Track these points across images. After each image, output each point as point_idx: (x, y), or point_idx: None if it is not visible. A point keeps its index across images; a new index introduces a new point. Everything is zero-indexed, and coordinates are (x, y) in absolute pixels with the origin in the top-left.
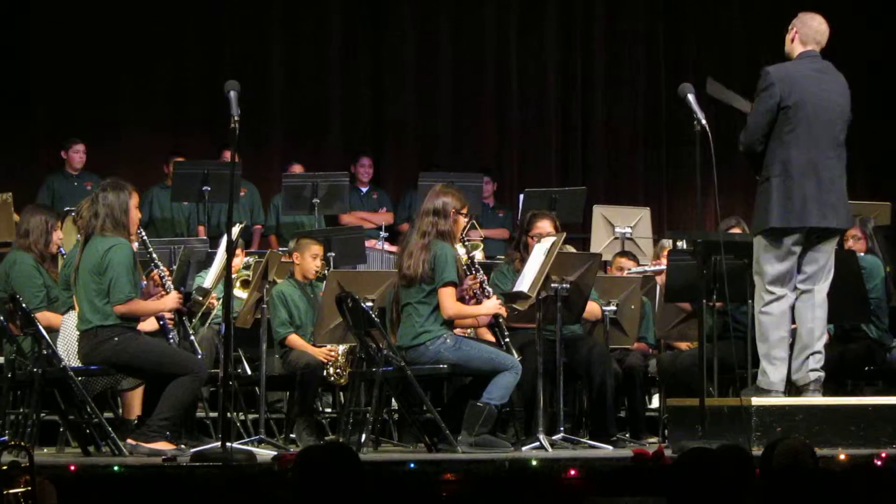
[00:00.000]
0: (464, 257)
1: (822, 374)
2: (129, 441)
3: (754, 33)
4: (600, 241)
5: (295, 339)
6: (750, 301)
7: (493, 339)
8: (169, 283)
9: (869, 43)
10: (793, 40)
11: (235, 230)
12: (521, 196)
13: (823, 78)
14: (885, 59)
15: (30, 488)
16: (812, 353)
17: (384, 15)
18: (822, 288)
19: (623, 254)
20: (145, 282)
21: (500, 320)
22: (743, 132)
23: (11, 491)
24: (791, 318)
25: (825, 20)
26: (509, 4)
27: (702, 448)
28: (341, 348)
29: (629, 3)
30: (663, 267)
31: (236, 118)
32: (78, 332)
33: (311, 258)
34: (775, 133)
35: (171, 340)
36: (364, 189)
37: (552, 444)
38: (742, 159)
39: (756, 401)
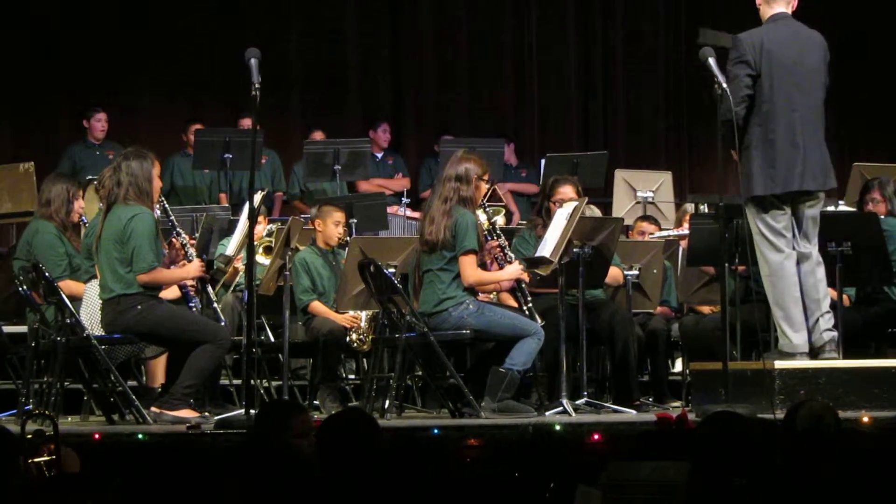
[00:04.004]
0: (485, 223)
1: (835, 333)
2: (153, 409)
3: None
4: (622, 206)
5: (318, 306)
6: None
7: (515, 304)
8: (191, 251)
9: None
10: (760, 3)
11: (257, 197)
12: (542, 161)
13: (797, 42)
14: None
15: (54, 457)
16: (822, 315)
17: None
18: (816, 249)
19: (645, 218)
20: (167, 250)
21: (523, 286)
22: (720, 105)
23: (36, 459)
24: (799, 278)
25: None
26: None
27: (725, 412)
28: (364, 315)
29: None
30: (685, 231)
31: (257, 85)
32: (101, 301)
33: (333, 225)
34: (754, 101)
35: (194, 308)
36: (379, 155)
37: (575, 409)
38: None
39: (779, 364)
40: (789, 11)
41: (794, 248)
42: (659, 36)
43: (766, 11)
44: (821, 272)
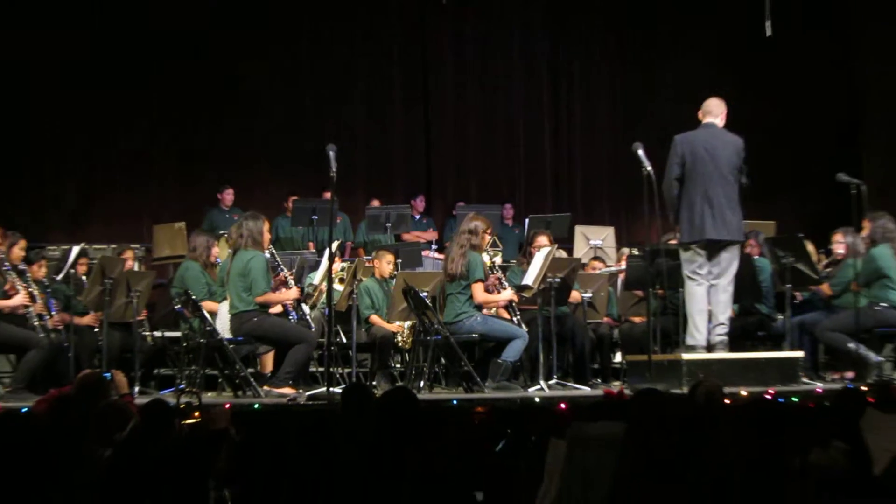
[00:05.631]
0: (488, 262)
1: (725, 338)
2: (265, 387)
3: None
4: (580, 250)
5: (375, 318)
6: (681, 289)
7: (508, 316)
8: (290, 281)
9: (769, 112)
10: (700, 116)
11: (334, 245)
12: (527, 220)
13: (713, 140)
14: (780, 127)
15: (199, 419)
16: (718, 325)
17: (433, 96)
18: (724, 281)
19: (596, 258)
20: (274, 280)
21: (513, 304)
22: (664, 184)
23: (186, 421)
24: (707, 299)
25: (721, 100)
26: (515, 91)
27: (649, 388)
28: (407, 324)
29: (599, 84)
30: (623, 267)
31: (334, 169)
32: (229, 315)
33: (386, 263)
34: (684, 178)
35: (292, 319)
36: (417, 216)
37: (549, 387)
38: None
39: (685, 356)
40: (717, 122)
41: (705, 279)
42: (607, 134)
43: (702, 120)
44: (725, 297)
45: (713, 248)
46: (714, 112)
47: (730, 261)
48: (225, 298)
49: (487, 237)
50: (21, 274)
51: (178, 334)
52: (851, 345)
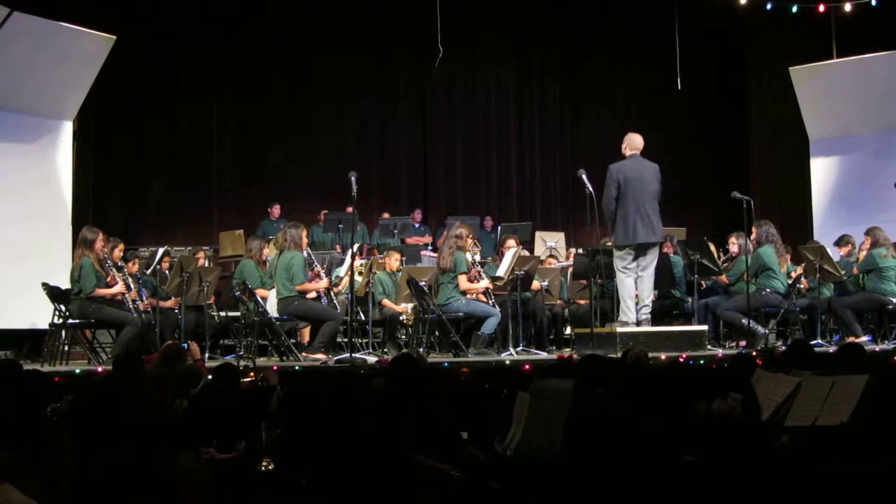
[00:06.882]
0: (470, 259)
1: (649, 316)
2: (303, 354)
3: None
4: (539, 249)
5: (387, 301)
6: (614, 278)
7: (485, 299)
8: (322, 274)
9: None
10: (625, 149)
11: (355, 247)
12: (499, 227)
13: (639, 168)
14: (685, 156)
15: (254, 378)
16: (643, 306)
17: (429, 134)
18: (647, 272)
19: (551, 256)
20: (310, 273)
21: (489, 290)
22: (603, 201)
23: (245, 379)
24: (635, 287)
25: (640, 135)
26: (490, 130)
27: (592, 354)
28: (410, 306)
29: (553, 124)
30: (571, 262)
31: (354, 190)
32: (277, 299)
33: (394, 261)
34: (619, 197)
35: (324, 302)
36: (417, 224)
37: (516, 353)
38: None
39: (619, 329)
40: (638, 153)
41: (634, 272)
42: (558, 163)
43: (627, 153)
44: (648, 284)
45: (641, 248)
46: (638, 145)
47: (652, 257)
48: (273, 287)
49: (470, 240)
50: (119, 269)
51: (237, 314)
52: (744, 320)
